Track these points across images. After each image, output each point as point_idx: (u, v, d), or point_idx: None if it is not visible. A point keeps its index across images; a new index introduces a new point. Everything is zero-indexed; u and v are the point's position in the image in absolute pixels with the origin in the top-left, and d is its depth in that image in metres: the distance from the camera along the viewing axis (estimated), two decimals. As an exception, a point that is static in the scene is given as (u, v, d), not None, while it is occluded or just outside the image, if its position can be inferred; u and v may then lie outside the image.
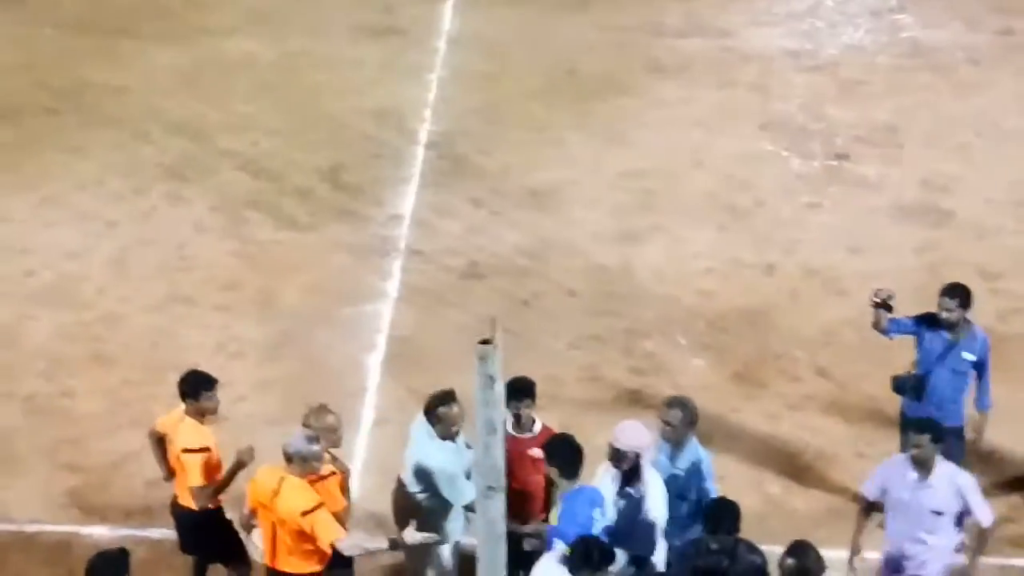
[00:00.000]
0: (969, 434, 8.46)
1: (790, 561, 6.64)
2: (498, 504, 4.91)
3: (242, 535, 7.71)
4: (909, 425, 7.93)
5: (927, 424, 7.48)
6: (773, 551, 6.94)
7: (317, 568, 7.09)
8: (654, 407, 8.58)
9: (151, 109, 13.53)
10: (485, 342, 4.93)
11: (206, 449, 7.56)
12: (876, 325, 8.46)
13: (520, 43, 14.91)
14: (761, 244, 11.73)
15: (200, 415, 7.66)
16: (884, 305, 8.38)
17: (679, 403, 7.61)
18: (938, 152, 12.94)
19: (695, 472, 7.48)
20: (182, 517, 7.81)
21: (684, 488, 7.46)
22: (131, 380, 10.04)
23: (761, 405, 9.93)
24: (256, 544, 7.39)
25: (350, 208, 12.20)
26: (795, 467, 9.36)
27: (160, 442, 7.86)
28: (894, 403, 8.69)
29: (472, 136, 13.27)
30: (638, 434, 7.21)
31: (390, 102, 13.77)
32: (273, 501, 7.06)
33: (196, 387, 7.64)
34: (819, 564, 6.66)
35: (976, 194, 12.31)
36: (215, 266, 11.37)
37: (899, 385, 8.51)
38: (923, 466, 7.37)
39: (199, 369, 7.87)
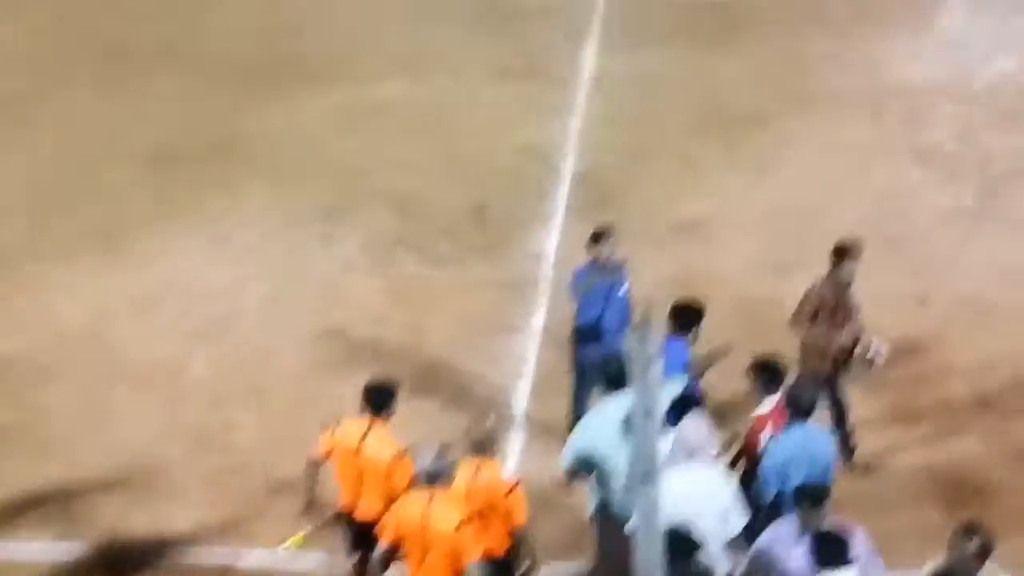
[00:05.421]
0: None
1: (973, 541, 6.59)
2: (654, 494, 4.65)
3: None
4: None
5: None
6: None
7: None
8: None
9: (302, 154, 13.86)
10: (642, 322, 4.71)
11: None
12: None
13: (665, 82, 14.89)
14: (914, 275, 11.44)
15: None
16: None
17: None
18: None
19: None
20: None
21: None
22: (284, 412, 10.22)
23: (918, 434, 9.65)
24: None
25: (494, 244, 12.29)
26: (956, 497, 9.05)
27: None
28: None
29: (616, 172, 13.27)
30: (690, 429, 7.49)
31: (534, 141, 13.87)
32: (425, 527, 7.06)
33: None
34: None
35: None
36: (364, 302, 11.55)
37: None
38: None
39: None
